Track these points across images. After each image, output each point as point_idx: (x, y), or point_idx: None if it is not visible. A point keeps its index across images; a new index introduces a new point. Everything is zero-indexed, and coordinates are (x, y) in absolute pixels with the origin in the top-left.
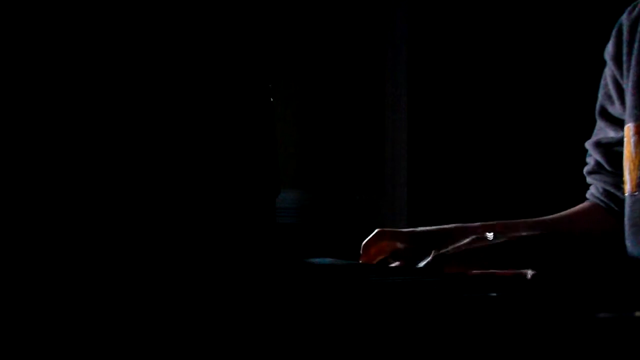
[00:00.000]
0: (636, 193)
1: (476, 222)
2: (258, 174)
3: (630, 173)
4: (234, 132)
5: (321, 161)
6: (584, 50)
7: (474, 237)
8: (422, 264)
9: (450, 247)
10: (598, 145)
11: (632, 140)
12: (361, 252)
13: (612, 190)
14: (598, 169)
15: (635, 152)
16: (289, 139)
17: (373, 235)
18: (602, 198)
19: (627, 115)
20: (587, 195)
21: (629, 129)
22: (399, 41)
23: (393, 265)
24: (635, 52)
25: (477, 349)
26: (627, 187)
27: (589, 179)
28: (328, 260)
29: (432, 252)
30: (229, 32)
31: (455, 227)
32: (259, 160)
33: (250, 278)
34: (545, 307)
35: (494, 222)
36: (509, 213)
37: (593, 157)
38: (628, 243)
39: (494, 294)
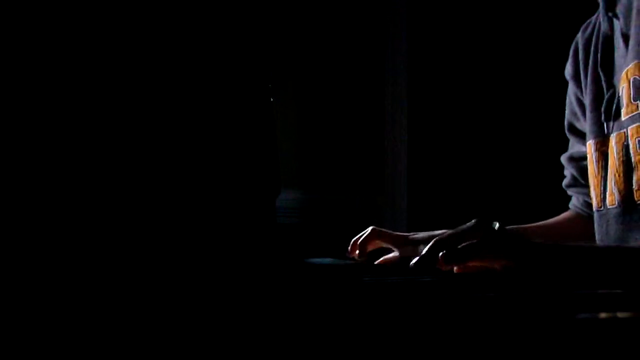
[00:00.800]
0: (602, 209)
1: None
2: (258, 174)
3: (595, 189)
4: (234, 132)
5: (321, 161)
6: None
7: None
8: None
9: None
10: (571, 159)
11: (593, 156)
12: (351, 247)
13: (590, 201)
14: (574, 183)
15: (598, 169)
16: (289, 139)
17: (369, 233)
18: (583, 209)
19: (587, 132)
20: (570, 206)
21: (590, 145)
22: (399, 41)
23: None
24: (590, 70)
25: (476, 348)
26: (594, 203)
27: (568, 192)
28: (328, 260)
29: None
30: (229, 33)
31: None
32: (259, 160)
33: (250, 278)
34: (528, 307)
35: None
36: (509, 213)
37: (569, 170)
38: None
39: (491, 294)
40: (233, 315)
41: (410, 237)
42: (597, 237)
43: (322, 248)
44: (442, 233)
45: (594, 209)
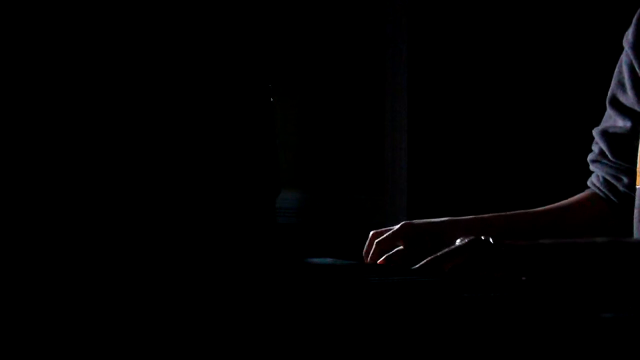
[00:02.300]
0: None
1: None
2: (258, 174)
3: None
4: (234, 132)
5: (321, 161)
6: (584, 49)
7: (466, 239)
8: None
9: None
10: (604, 134)
11: None
12: (364, 259)
13: (612, 180)
14: (601, 158)
15: None
16: (289, 139)
17: (374, 246)
18: (601, 188)
19: None
20: (588, 183)
21: None
22: (399, 41)
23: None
24: None
25: (477, 348)
26: None
27: (591, 167)
28: (328, 260)
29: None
30: (229, 33)
31: (447, 221)
32: (259, 160)
33: (250, 278)
34: (547, 307)
35: (489, 215)
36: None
37: (598, 145)
38: (637, 235)
39: (494, 294)
40: (233, 315)
41: (413, 225)
42: (636, 215)
43: (322, 248)
44: (442, 221)
45: (638, 185)
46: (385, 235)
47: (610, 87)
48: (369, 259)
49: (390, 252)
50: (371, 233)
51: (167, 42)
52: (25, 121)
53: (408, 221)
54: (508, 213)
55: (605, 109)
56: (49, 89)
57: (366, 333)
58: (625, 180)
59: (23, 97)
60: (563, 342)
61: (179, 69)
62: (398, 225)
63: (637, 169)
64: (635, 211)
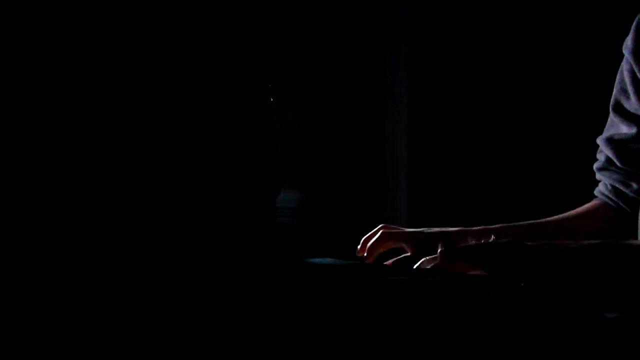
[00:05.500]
0: None
1: (476, 222)
2: (258, 174)
3: None
4: (234, 132)
5: (321, 161)
6: (584, 49)
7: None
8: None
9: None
10: (610, 141)
11: None
12: (360, 246)
13: (621, 187)
14: (608, 166)
15: None
16: (288, 139)
17: (379, 236)
18: (610, 196)
19: None
20: (595, 193)
21: None
22: (399, 41)
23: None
24: None
25: (477, 349)
26: None
27: (598, 176)
28: (328, 260)
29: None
30: (229, 33)
31: (457, 231)
32: (259, 160)
33: (250, 278)
34: (548, 307)
35: (498, 226)
36: (510, 213)
37: (604, 153)
38: None
39: (494, 294)
40: (233, 315)
41: (424, 233)
42: None
43: (321, 248)
44: (453, 231)
45: None
46: (395, 232)
47: (613, 94)
48: (369, 244)
49: (398, 257)
50: (381, 225)
51: (166, 42)
52: (21, 121)
53: (420, 229)
54: (517, 223)
55: (606, 114)
56: (47, 88)
57: (366, 333)
58: (635, 186)
59: (20, 96)
60: (565, 342)
61: (179, 69)
62: (410, 230)
63: None
64: None
